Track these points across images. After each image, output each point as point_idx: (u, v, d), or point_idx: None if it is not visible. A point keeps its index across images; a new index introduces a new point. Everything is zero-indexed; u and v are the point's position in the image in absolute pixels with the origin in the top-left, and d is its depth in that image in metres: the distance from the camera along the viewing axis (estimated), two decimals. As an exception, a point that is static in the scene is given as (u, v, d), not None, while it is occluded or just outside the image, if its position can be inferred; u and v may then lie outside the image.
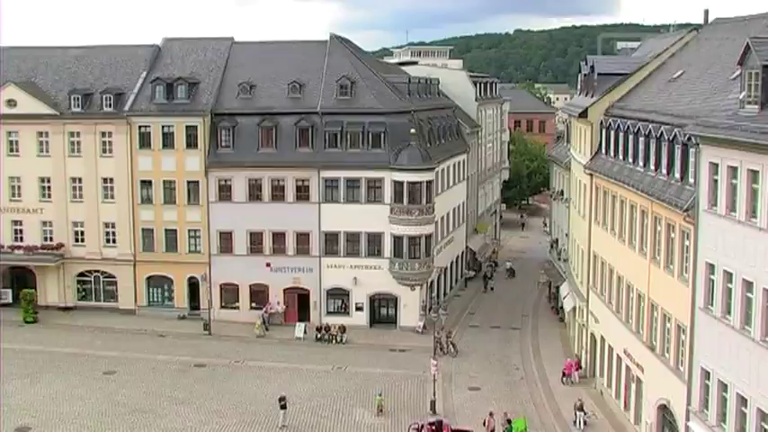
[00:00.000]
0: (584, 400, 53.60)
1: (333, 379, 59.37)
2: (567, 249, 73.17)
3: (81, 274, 75.44)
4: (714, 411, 37.23)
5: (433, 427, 45.57)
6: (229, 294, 73.43)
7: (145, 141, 73.12)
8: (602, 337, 56.25)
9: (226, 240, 72.71)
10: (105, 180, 73.81)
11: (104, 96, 73.67)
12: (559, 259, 77.88)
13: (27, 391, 54.22)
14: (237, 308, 73.14)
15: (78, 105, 73.80)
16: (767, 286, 32.32)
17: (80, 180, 73.98)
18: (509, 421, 47.89)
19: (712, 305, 37.21)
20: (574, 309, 65.79)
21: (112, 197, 73.86)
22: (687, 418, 39.99)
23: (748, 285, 33.81)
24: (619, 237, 51.44)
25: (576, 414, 52.62)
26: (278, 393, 52.11)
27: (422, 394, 55.85)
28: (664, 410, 44.13)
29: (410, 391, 57.04)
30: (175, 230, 73.38)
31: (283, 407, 50.61)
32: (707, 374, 37.93)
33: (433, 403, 53.34)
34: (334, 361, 63.14)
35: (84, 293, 75.85)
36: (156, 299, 75.15)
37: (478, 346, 67.52)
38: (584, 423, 51.99)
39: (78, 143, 73.87)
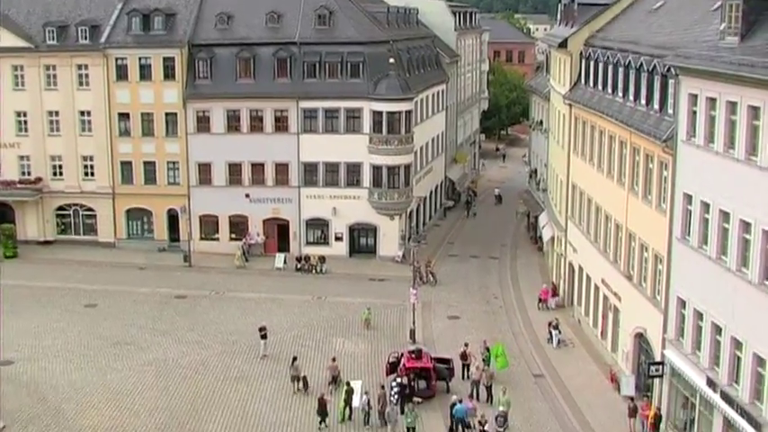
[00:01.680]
0: (560, 320, 54.52)
1: (313, 309, 59.83)
2: (545, 179, 73.47)
3: (60, 208, 75.09)
4: (689, 340, 37.88)
5: (413, 356, 46.06)
6: (209, 226, 73.45)
7: (122, 74, 72.28)
8: (579, 266, 56.83)
9: (205, 172, 72.48)
10: (82, 113, 73.06)
11: (80, 28, 72.50)
12: (538, 189, 78.21)
13: (9, 325, 54.30)
14: (217, 239, 73.25)
15: (53, 38, 72.63)
16: (743, 217, 32.68)
17: (57, 114, 73.18)
18: (487, 349, 48.51)
19: (689, 235, 37.63)
20: (552, 238, 66.33)
21: (90, 130, 73.17)
22: (663, 347, 40.70)
23: (725, 216, 34.16)
24: (597, 167, 51.69)
25: (550, 332, 53.62)
26: (258, 323, 52.46)
27: (401, 323, 56.44)
28: (640, 339, 44.85)
29: (390, 320, 57.62)
30: (154, 163, 73.00)
31: (264, 337, 51.04)
32: (683, 303, 38.51)
33: (412, 332, 53.95)
34: (313, 291, 63.56)
35: (63, 227, 75.61)
36: (135, 231, 75.04)
37: (458, 276, 68.10)
38: (559, 341, 52.99)
39: (54, 76, 72.90)
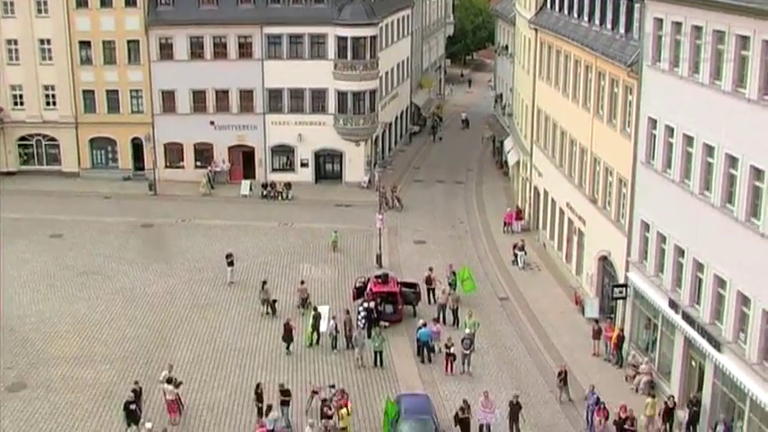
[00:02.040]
0: (525, 244, 55.11)
1: (279, 235, 59.93)
2: (511, 104, 73.42)
3: (22, 139, 73.94)
4: (653, 262, 38.41)
5: (380, 281, 46.37)
6: (174, 154, 72.94)
7: (82, 0, 70.74)
8: (545, 190, 57.17)
9: (168, 100, 71.66)
10: (42, 41, 71.46)
11: (35, -47, 70.78)
12: (504, 114, 78.15)
13: (-27, 256, 54.07)
14: (182, 167, 72.77)
15: (9, -37, 70.92)
16: (707, 141, 32.91)
17: (16, 42, 71.48)
18: (453, 273, 48.92)
19: (653, 159, 37.90)
20: (518, 163, 66.57)
21: (51, 59, 71.71)
22: (627, 269, 41.25)
23: (689, 140, 34.40)
24: (563, 92, 51.69)
25: (515, 254, 54.23)
26: (225, 251, 52.53)
27: (368, 248, 56.75)
28: (604, 262, 45.39)
29: (356, 245, 57.90)
30: (117, 91, 71.95)
31: (231, 264, 51.14)
32: (646, 227, 38.95)
33: (378, 257, 54.28)
34: (279, 217, 63.57)
35: (26, 158, 74.55)
36: (99, 161, 74.30)
37: (423, 201, 68.31)
38: (524, 263, 53.65)
39: (12, 3, 70.91)
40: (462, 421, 34.75)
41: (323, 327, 43.19)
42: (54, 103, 72.78)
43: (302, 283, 48.44)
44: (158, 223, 61.87)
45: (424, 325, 42.64)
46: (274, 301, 47.00)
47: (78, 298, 48.70)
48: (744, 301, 31.11)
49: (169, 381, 36.30)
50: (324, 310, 44.35)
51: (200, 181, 69.73)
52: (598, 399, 35.47)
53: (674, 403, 34.61)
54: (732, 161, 31.38)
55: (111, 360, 41.40)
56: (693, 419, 34.46)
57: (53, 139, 73.68)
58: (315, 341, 43.18)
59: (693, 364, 35.98)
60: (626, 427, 33.76)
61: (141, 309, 47.45)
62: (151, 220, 62.61)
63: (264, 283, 47.82)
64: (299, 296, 47.55)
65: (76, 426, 35.36)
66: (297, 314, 46.00)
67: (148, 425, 33.03)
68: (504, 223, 61.17)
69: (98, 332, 44.45)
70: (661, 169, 37.02)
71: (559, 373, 38.53)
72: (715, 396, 34.02)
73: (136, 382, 36.07)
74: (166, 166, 72.52)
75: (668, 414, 34.57)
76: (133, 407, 34.50)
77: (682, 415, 34.73)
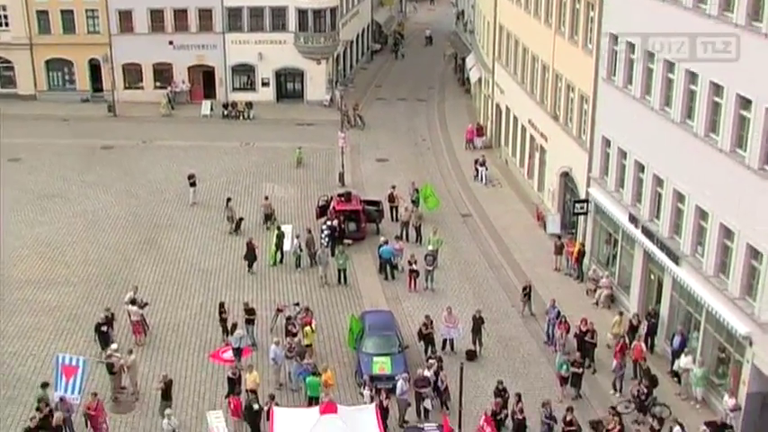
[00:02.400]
0: (487, 159, 55.35)
1: (241, 155, 59.65)
2: (473, 21, 72.86)
3: (-25, 61, 72.60)
4: (613, 178, 38.72)
5: (342, 199, 46.43)
6: (132, 75, 71.90)
7: None
8: (507, 107, 57.15)
9: (126, 19, 70.23)
10: (-7, -40, 69.84)
11: None
12: (465, 31, 77.63)
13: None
14: (141, 88, 71.80)
15: None
16: (668, 57, 32.96)
17: (-37, -40, 69.83)
18: (416, 190, 49.05)
19: (615, 75, 37.92)
20: (480, 80, 66.36)
21: (2, -22, 70.06)
22: (588, 185, 41.56)
23: (650, 56, 34.41)
24: (524, 8, 51.30)
25: (477, 170, 54.53)
26: (187, 171, 52.26)
27: (330, 167, 56.68)
28: (565, 178, 45.69)
29: (318, 164, 57.81)
30: (72, 11, 70.27)
31: (193, 184, 50.92)
32: (607, 143, 39.16)
33: (341, 175, 54.27)
34: (241, 137, 63.18)
35: (-20, 81, 73.31)
36: (56, 83, 72.98)
37: (386, 119, 68.13)
38: (486, 178, 54.00)
39: None
40: (426, 336, 35.20)
41: (286, 246, 43.29)
42: (7, 24, 71.04)
43: (266, 198, 48.58)
44: (119, 145, 61.24)
45: (386, 242, 42.91)
46: (240, 219, 47.09)
47: (39, 222, 48.32)
48: (702, 215, 31.54)
49: (133, 302, 36.38)
50: (287, 229, 44.40)
51: (160, 102, 68.92)
52: (559, 313, 36.02)
53: (639, 321, 35.17)
54: (692, 77, 31.50)
55: (75, 283, 41.30)
56: (651, 331, 35.17)
57: (7, 62, 72.15)
58: (278, 260, 43.32)
59: (652, 277, 36.58)
60: (587, 339, 34.37)
61: (104, 231, 47.23)
62: (111, 142, 61.94)
63: (229, 200, 47.86)
64: (264, 212, 47.72)
65: (42, 348, 35.38)
66: (261, 232, 46.12)
67: (113, 345, 33.15)
68: (466, 140, 61.29)
69: (60, 255, 44.25)
70: (622, 85, 37.09)
71: (524, 288, 39.01)
72: (673, 308, 34.71)
73: (107, 309, 35.99)
74: (125, 88, 71.46)
75: (633, 331, 35.01)
76: (105, 329, 34.56)
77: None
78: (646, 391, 31.18)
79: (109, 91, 69.44)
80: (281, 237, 43.32)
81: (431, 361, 32.59)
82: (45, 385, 30.38)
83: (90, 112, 69.12)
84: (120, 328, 36.45)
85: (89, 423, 29.44)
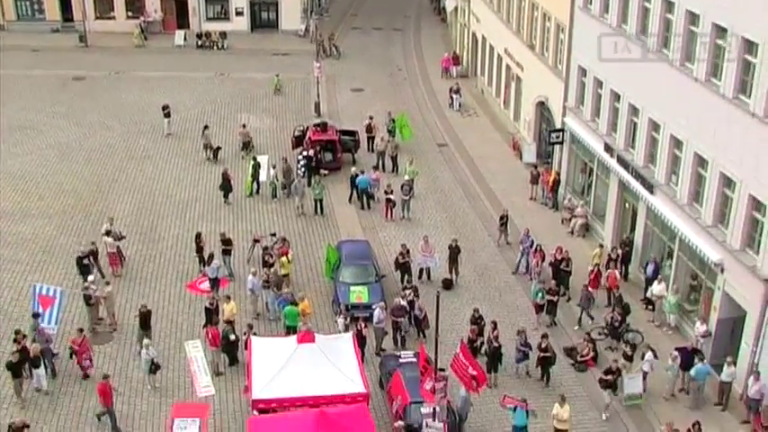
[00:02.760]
0: (463, 89, 55.20)
1: (216, 85, 59.14)
2: (448, -53, 72.01)
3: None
4: (589, 107, 38.76)
5: (318, 129, 46.22)
6: (103, 4, 70.56)
7: None
8: (483, 36, 56.80)
9: (95, -55, 69.00)
10: None
11: None
12: (441, -42, 76.83)
13: None
14: (113, 18, 70.58)
15: None
16: (644, -16, 32.83)
17: None
18: (393, 120, 48.90)
19: (591, 4, 37.72)
20: (456, 9, 65.81)
21: None
22: (563, 115, 41.58)
23: (626, -17, 34.26)
24: (501, -66, 50.79)
25: (451, 97, 54.47)
26: (161, 102, 51.75)
27: (306, 97, 56.34)
28: (541, 107, 45.69)
29: (294, 94, 57.43)
30: (37, -64, 68.96)
31: (167, 115, 50.51)
32: (583, 72, 39.10)
33: (317, 105, 53.95)
34: (216, 67, 62.56)
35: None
36: (25, 12, 71.34)
37: (361, 48, 67.64)
38: (460, 105, 54.00)
39: None
40: (402, 265, 35.41)
41: (262, 176, 43.21)
42: (-28, -49, 69.60)
43: (243, 126, 48.42)
44: (90, 76, 60.41)
45: (362, 172, 42.91)
46: (218, 148, 46.92)
47: (12, 154, 47.79)
48: (676, 144, 31.69)
49: (108, 233, 36.30)
50: (263, 159, 44.27)
51: (132, 32, 67.87)
52: (533, 242, 36.27)
53: (618, 255, 35.36)
54: (668, 6, 31.38)
55: (50, 215, 41.09)
56: (625, 259, 35.53)
57: (-27, -9, 70.79)
58: (254, 191, 43.26)
59: (627, 206, 36.85)
60: (562, 267, 34.70)
61: (78, 163, 46.87)
62: (83, 72, 61.08)
63: (206, 128, 47.75)
64: (241, 140, 47.56)
65: (18, 280, 35.32)
66: (238, 161, 46.07)
67: (90, 277, 33.15)
68: (442, 69, 61.05)
69: (34, 187, 43.92)
70: (598, 14, 36.91)
71: (501, 218, 39.19)
72: (647, 236, 35.06)
73: (93, 243, 35.81)
74: (96, 17, 70.19)
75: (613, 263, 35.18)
76: (86, 261, 34.47)
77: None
78: (619, 318, 31.63)
79: (80, 21, 68.20)
80: (256, 167, 43.21)
81: (407, 291, 32.84)
82: (36, 315, 30.42)
83: (61, 43, 67.97)
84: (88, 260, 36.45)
85: (73, 357, 29.57)
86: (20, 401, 28.34)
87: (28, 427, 25.25)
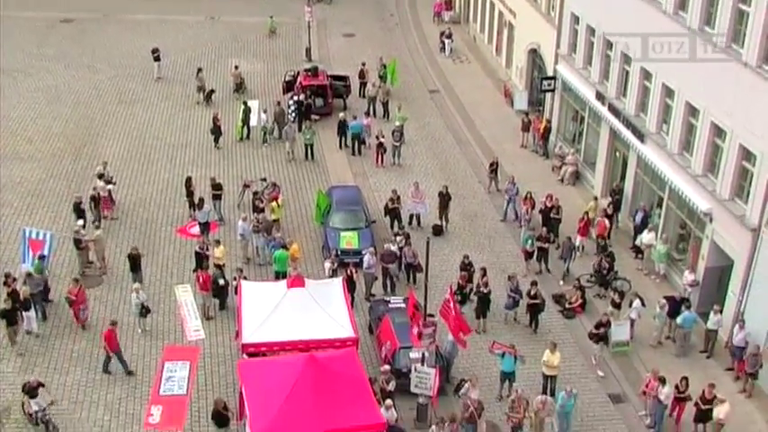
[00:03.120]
0: (455, 35, 54.93)
1: (206, 29, 58.63)
2: None
3: None
4: (581, 55, 38.60)
5: (309, 74, 45.97)
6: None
7: None
8: (475, -19, 56.38)
9: None
10: None
11: None
12: None
13: None
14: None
15: None
16: (639, -70, 32.52)
17: None
18: (384, 66, 48.65)
19: (584, -51, 37.46)
20: (448, -47, 65.15)
21: None
22: (555, 62, 41.43)
23: (621, -71, 33.94)
24: None
25: (443, 42, 54.24)
26: (150, 46, 51.30)
27: (297, 42, 55.98)
28: (533, 54, 45.48)
29: (285, 38, 57.04)
30: None
31: (157, 59, 50.13)
32: (576, 19, 38.87)
33: (308, 50, 53.64)
34: (206, 11, 61.87)
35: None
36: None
37: (353, -7, 67.11)
38: (451, 50, 53.75)
39: None
40: (392, 211, 35.45)
41: (253, 121, 43.07)
42: None
43: (236, 68, 48.25)
44: (79, 18, 59.72)
45: (354, 118, 42.78)
46: (212, 90, 46.74)
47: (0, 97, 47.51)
48: (668, 93, 31.63)
49: (101, 177, 36.21)
50: (254, 104, 44.09)
51: (121, -28, 67.03)
52: (518, 190, 36.17)
53: (613, 210, 35.37)
54: (662, -49, 31.20)
55: (39, 158, 40.93)
56: (615, 207, 35.64)
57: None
58: (245, 135, 43.12)
59: (617, 154, 36.88)
60: (552, 215, 34.79)
61: (67, 106, 46.57)
62: (71, 14, 60.33)
63: (200, 70, 47.66)
64: (234, 81, 47.38)
65: (6, 223, 35.25)
66: (231, 103, 45.92)
67: (80, 222, 33.13)
68: (434, 13, 60.64)
69: (23, 130, 43.68)
70: (592, -41, 36.68)
71: (491, 164, 39.21)
72: (636, 185, 35.14)
73: (94, 189, 35.60)
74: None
75: (608, 219, 35.00)
76: (83, 206, 34.43)
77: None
78: (607, 265, 31.79)
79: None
80: (247, 112, 43.03)
81: (398, 237, 32.90)
82: (42, 258, 30.63)
83: (48, -17, 67.09)
84: (86, 204, 36.49)
85: (70, 307, 29.61)
86: (15, 348, 28.37)
87: (43, 386, 25.37)
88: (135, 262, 31.34)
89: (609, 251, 32.50)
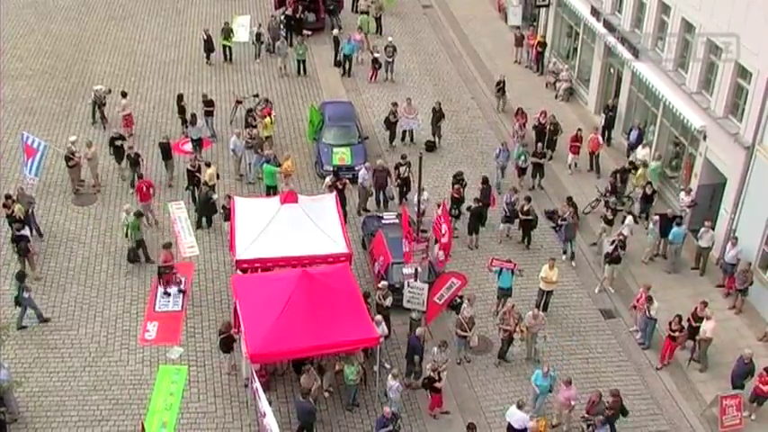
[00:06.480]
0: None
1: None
2: None
3: None
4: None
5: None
6: None
7: None
8: None
9: None
10: None
11: None
12: None
13: None
14: None
15: None
16: None
17: None
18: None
19: None
20: None
21: None
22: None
23: None
24: None
25: None
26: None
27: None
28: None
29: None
30: None
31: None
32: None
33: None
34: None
35: None
36: None
37: None
38: None
39: None
40: (394, 125, 35.37)
41: (244, 37, 42.56)
42: None
43: None
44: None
45: (348, 40, 41.94)
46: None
47: (-13, 13, 46.85)
48: (664, 9, 31.36)
49: (124, 95, 35.77)
50: (244, 19, 43.58)
51: None
52: (508, 155, 33.64)
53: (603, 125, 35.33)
54: None
55: (29, 75, 40.51)
56: (609, 124, 35.61)
57: None
58: (228, 58, 42.11)
59: (611, 71, 36.71)
60: (550, 132, 34.63)
61: (56, 22, 45.90)
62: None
63: None
64: None
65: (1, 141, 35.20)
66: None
67: (72, 138, 32.77)
68: None
69: (12, 48, 43.09)
70: None
71: (498, 83, 38.83)
72: (630, 102, 35.07)
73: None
74: None
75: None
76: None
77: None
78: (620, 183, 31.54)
79: None
80: (228, 31, 42.01)
81: (401, 168, 32.05)
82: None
83: None
84: (79, 120, 36.30)
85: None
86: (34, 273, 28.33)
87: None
88: (165, 150, 32.57)
89: (623, 167, 32.26)
